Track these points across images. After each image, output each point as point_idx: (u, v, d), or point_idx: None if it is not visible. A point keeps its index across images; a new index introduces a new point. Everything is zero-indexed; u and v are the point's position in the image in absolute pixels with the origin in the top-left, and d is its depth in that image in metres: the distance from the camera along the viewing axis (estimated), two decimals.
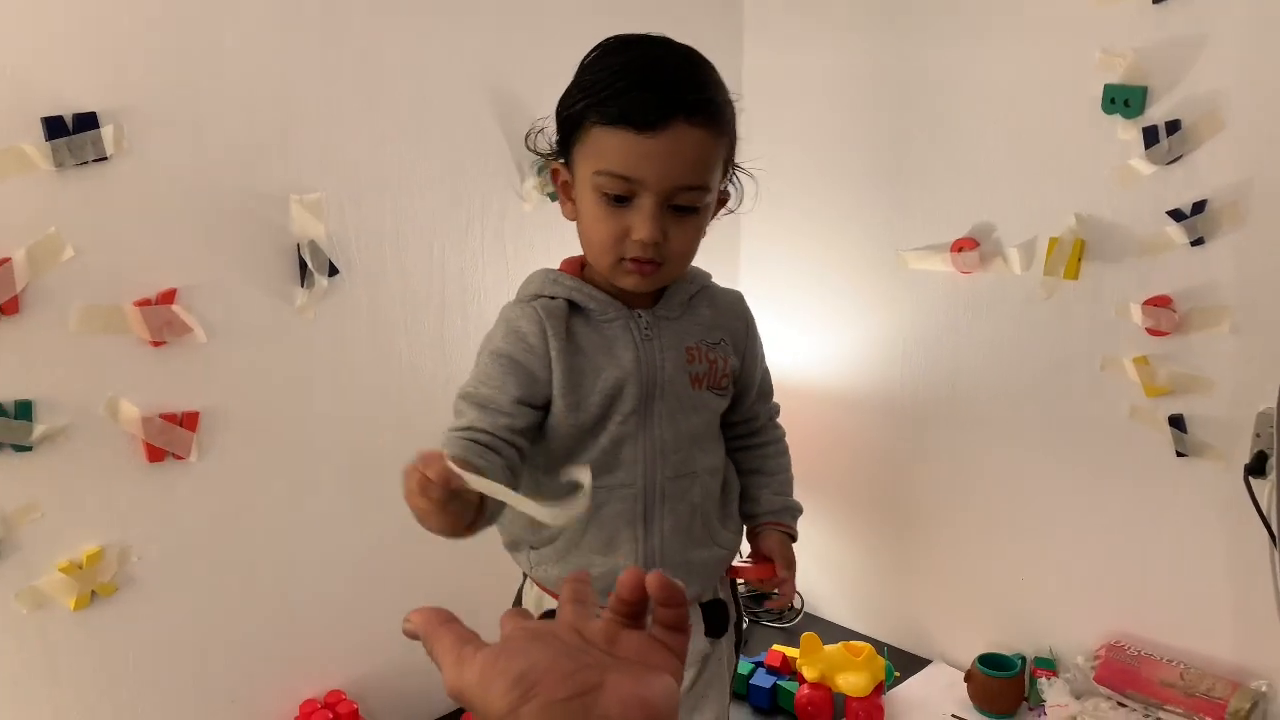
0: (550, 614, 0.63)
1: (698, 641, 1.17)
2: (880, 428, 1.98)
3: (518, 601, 1.20)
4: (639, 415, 1.07)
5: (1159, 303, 1.58)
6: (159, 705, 1.41)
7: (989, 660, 1.78)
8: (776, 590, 1.21)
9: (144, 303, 1.32)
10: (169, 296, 1.34)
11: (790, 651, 1.86)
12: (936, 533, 1.95)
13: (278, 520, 1.50)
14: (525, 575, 1.19)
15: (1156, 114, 1.54)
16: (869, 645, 1.81)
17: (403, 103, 1.56)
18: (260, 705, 1.52)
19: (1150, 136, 1.54)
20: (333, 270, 1.50)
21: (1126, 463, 1.66)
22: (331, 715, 1.52)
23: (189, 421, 1.38)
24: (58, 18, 1.21)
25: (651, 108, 0.98)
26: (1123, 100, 1.56)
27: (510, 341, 1.06)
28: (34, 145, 1.20)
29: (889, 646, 2.00)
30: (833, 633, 2.02)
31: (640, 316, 1.09)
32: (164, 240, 1.33)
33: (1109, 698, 1.64)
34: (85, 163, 1.24)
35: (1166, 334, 1.58)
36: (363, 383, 1.57)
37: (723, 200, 1.11)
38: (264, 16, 1.38)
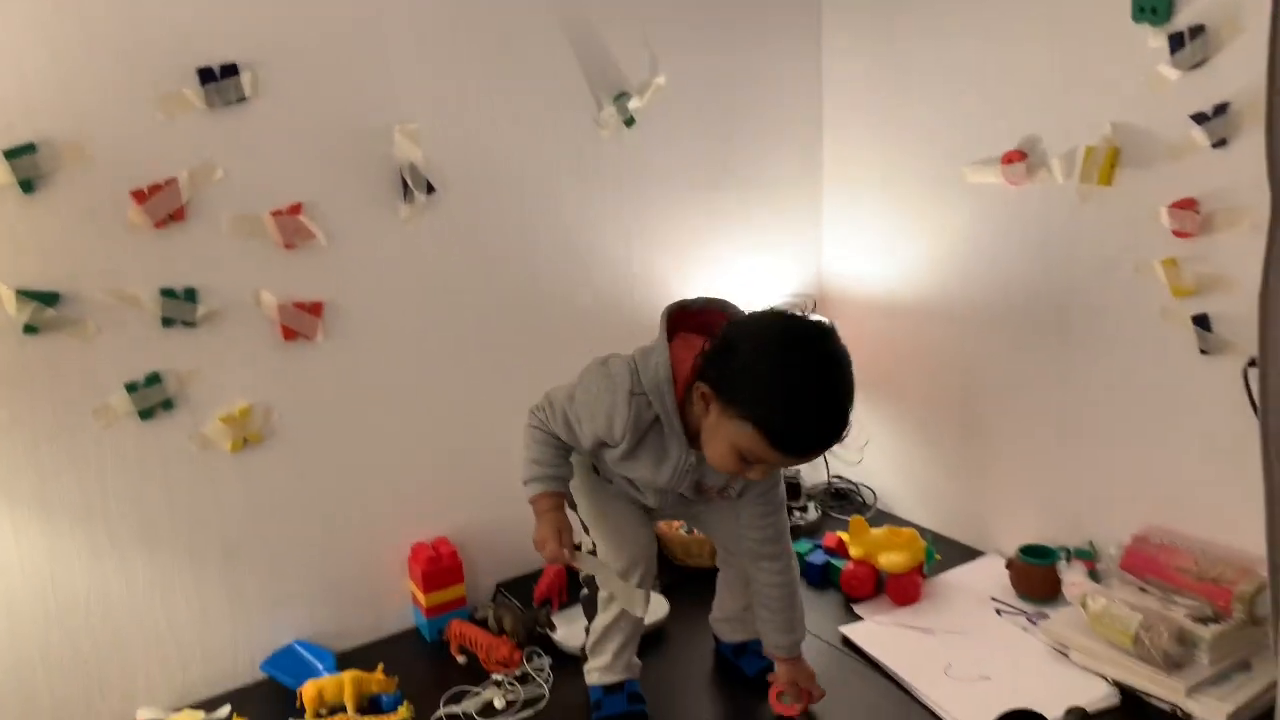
0: None
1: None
2: (943, 334, 2.11)
3: None
4: (660, 493, 1.55)
5: (1184, 205, 1.63)
6: (295, 534, 1.79)
7: (1030, 551, 1.90)
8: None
9: (278, 213, 1.67)
10: (296, 209, 1.69)
11: (845, 535, 2.04)
12: (993, 433, 2.06)
13: (389, 389, 1.83)
14: None
15: (1182, 20, 1.58)
16: (913, 530, 1.97)
17: (490, 41, 1.83)
18: (378, 544, 1.88)
19: (1175, 42, 1.59)
20: (430, 188, 1.80)
21: (1157, 361, 1.73)
22: (435, 554, 1.87)
23: (315, 309, 1.73)
24: None
25: (798, 452, 1.35)
26: (1150, 8, 1.60)
27: (605, 420, 1.43)
28: (191, 90, 1.57)
29: (945, 538, 2.15)
30: (900, 525, 2.18)
31: (692, 453, 1.46)
32: (292, 164, 1.67)
33: (1132, 583, 1.73)
34: (230, 103, 1.60)
35: (1191, 235, 1.63)
36: (455, 280, 1.87)
37: None
38: None
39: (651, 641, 1.80)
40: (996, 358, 2.01)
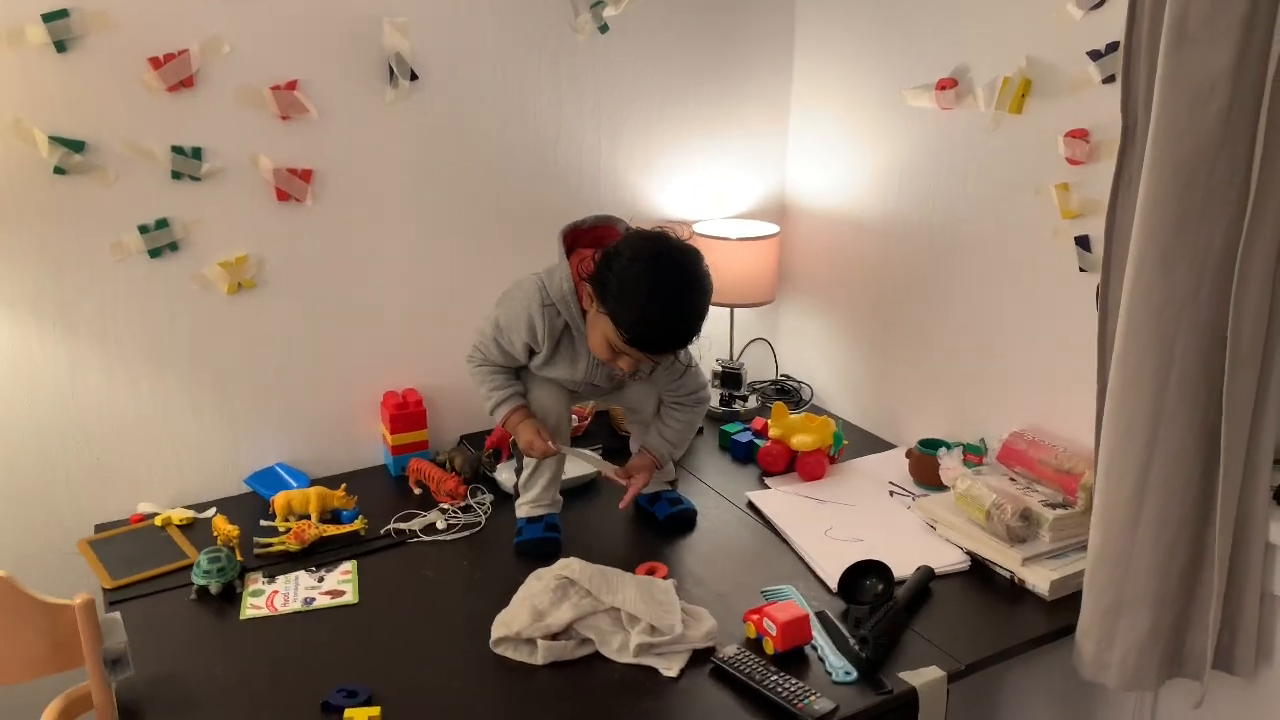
0: None
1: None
2: (876, 246, 2.31)
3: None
4: (576, 390, 1.88)
5: (1077, 135, 1.80)
6: (281, 371, 2.07)
7: (927, 443, 2.12)
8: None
9: (276, 88, 1.91)
10: (293, 85, 1.92)
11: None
12: (909, 338, 2.27)
13: (370, 252, 2.08)
14: None
15: None
16: (827, 418, 2.20)
17: None
18: (354, 388, 2.15)
19: None
20: (413, 76, 2.02)
21: (1046, 277, 1.92)
22: (403, 401, 2.14)
23: (305, 176, 1.98)
24: None
25: (657, 350, 1.66)
26: None
27: (528, 328, 1.74)
28: None
29: (865, 431, 2.38)
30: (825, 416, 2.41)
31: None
32: (292, 45, 1.90)
33: (1004, 473, 1.94)
34: None
35: (1081, 163, 1.80)
36: (433, 160, 2.10)
37: None
38: None
39: (582, 491, 2.07)
40: (917, 269, 2.21)
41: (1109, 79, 1.73)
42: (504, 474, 2.06)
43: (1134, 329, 1.46)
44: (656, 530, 1.94)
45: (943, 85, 2.04)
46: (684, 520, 1.95)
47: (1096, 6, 1.73)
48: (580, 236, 1.77)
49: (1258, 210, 1.38)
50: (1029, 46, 1.86)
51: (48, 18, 1.69)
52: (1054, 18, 1.81)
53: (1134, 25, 1.46)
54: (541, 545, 1.83)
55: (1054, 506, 1.80)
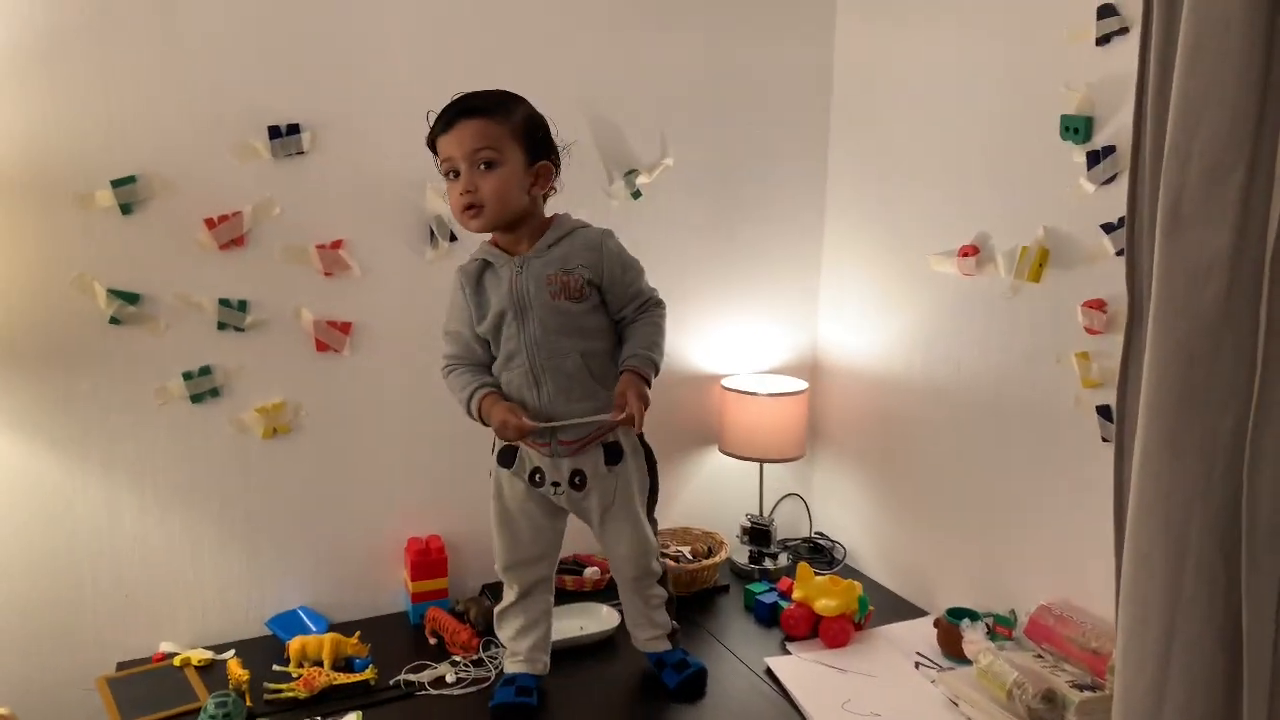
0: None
1: (600, 468, 1.78)
2: (906, 406, 2.30)
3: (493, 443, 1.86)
4: (518, 322, 1.69)
5: (1095, 305, 1.79)
6: (309, 515, 2.12)
7: (955, 612, 2.05)
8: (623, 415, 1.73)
9: (321, 246, 2.03)
10: (338, 244, 2.04)
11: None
12: (940, 502, 2.23)
13: (402, 401, 2.16)
14: None
15: (1099, 140, 1.77)
16: (853, 581, 2.14)
17: None
18: (380, 534, 2.19)
19: (1092, 159, 1.77)
20: (453, 238, 2.13)
21: (1069, 446, 1.88)
22: (425, 548, 2.16)
23: (345, 328, 2.08)
24: (280, 64, 1.95)
25: (446, 120, 1.66)
26: (1074, 128, 1.80)
27: (452, 298, 1.80)
28: (261, 143, 1.95)
29: (896, 595, 2.32)
30: (861, 580, 2.35)
31: (515, 262, 1.70)
32: (338, 207, 2.03)
33: (1031, 649, 1.86)
34: (291, 155, 1.98)
35: (1100, 333, 1.79)
36: None
37: (547, 170, 1.72)
38: (413, 58, 2.05)
39: (602, 647, 2.04)
40: (945, 432, 2.19)
41: (1120, 252, 1.73)
42: None
43: (1145, 510, 1.42)
44: (666, 699, 1.89)
45: (965, 252, 2.07)
46: (695, 684, 1.90)
47: (1109, 181, 1.75)
48: None
49: (1265, 391, 1.34)
50: (1046, 217, 1.89)
51: (116, 183, 1.85)
52: (1069, 191, 1.83)
53: (1135, 204, 1.47)
54: (509, 712, 1.78)
55: (1082, 688, 1.71)
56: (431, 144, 1.70)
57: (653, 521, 1.91)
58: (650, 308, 1.82)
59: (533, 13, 2.15)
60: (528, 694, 1.81)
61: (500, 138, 1.65)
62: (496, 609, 1.91)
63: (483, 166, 1.65)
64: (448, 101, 1.68)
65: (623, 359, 1.78)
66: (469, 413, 1.77)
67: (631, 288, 1.79)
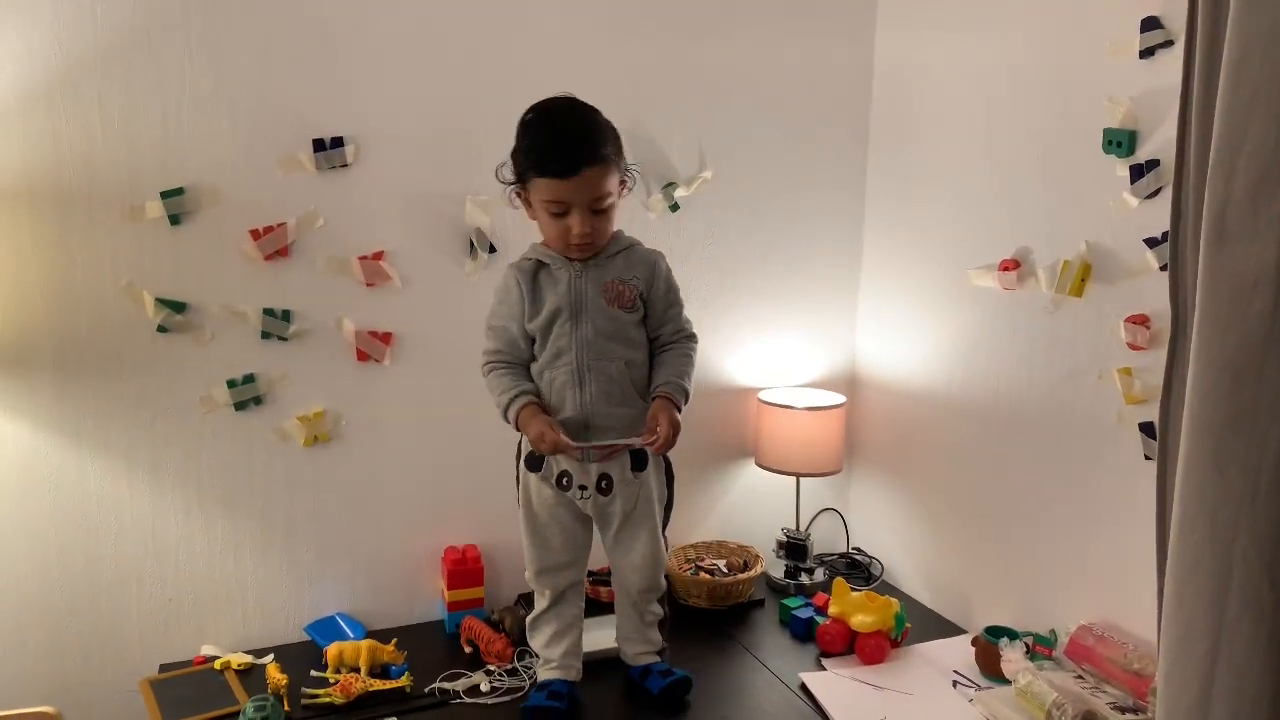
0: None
1: (626, 473, 1.81)
2: (946, 422, 2.27)
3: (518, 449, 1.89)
4: (572, 322, 1.74)
5: (1138, 320, 1.77)
6: (349, 523, 2.15)
7: (993, 631, 2.02)
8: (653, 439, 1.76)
9: (364, 258, 2.06)
10: (380, 256, 2.07)
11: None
12: (980, 519, 2.20)
13: (441, 410, 2.18)
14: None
15: (1143, 154, 1.75)
16: (890, 598, 2.12)
17: None
18: (418, 542, 2.21)
19: (1136, 173, 1.75)
20: (492, 249, 2.15)
21: (1112, 464, 1.85)
22: (462, 558, 2.18)
23: (385, 339, 2.10)
24: (326, 79, 1.99)
25: (566, 165, 1.65)
26: (1117, 142, 1.78)
27: (504, 293, 1.81)
28: (306, 156, 1.99)
29: (935, 613, 2.29)
30: (899, 597, 2.33)
31: (575, 266, 1.74)
32: (379, 219, 2.06)
33: (1071, 670, 1.83)
34: (335, 168, 2.01)
35: (1143, 349, 1.76)
36: None
37: (624, 184, 1.76)
38: (452, 74, 2.08)
39: (607, 666, 2.02)
40: (985, 447, 2.16)
41: (1164, 267, 1.71)
42: None
43: (1189, 527, 1.39)
44: (700, 708, 1.89)
45: (1005, 266, 2.05)
46: (679, 691, 1.89)
47: (1152, 196, 1.73)
48: None
49: None
50: (1088, 231, 1.87)
51: (165, 195, 1.89)
52: (1111, 205, 1.81)
53: (1179, 219, 1.45)
54: (539, 715, 1.80)
55: (1123, 710, 1.68)
56: (525, 172, 1.71)
57: (664, 536, 1.92)
58: (685, 340, 1.87)
59: (573, 28, 2.17)
60: (559, 699, 1.82)
61: (613, 179, 1.71)
62: (529, 617, 1.93)
63: (599, 208, 1.70)
64: (544, 128, 1.68)
65: (657, 384, 1.81)
66: (504, 417, 1.79)
67: (671, 309, 1.85)
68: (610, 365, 1.76)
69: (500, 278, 1.82)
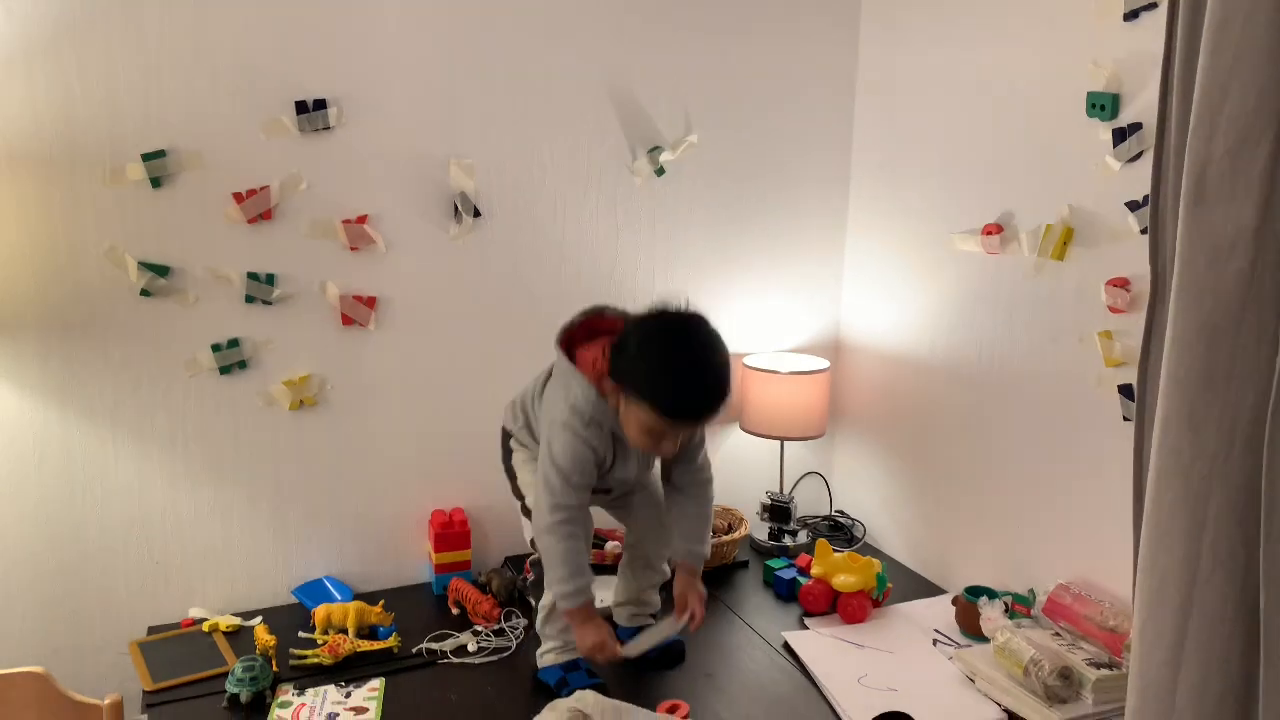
0: None
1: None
2: (928, 385, 2.29)
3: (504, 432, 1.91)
4: (621, 461, 1.79)
5: (1119, 283, 1.79)
6: (335, 487, 2.15)
7: (973, 590, 2.05)
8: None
9: (347, 221, 2.05)
10: (363, 219, 2.06)
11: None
12: (961, 481, 2.23)
13: (427, 375, 2.18)
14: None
15: (1125, 117, 1.75)
16: (872, 559, 2.15)
17: (539, 96, 2.17)
18: (404, 506, 2.22)
19: (1118, 136, 1.76)
20: (477, 213, 2.15)
21: (1091, 425, 1.87)
22: (449, 521, 2.19)
23: (370, 303, 2.10)
24: (308, 40, 1.97)
25: (689, 419, 1.66)
26: (1100, 105, 1.78)
27: (590, 451, 1.71)
28: (288, 119, 1.97)
29: (916, 573, 2.32)
30: (881, 558, 2.36)
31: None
32: (364, 182, 2.05)
33: (1049, 627, 1.87)
34: (318, 130, 2.00)
35: (1123, 312, 1.78)
36: (491, 291, 2.21)
37: None
38: (437, 36, 2.06)
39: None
40: (967, 411, 2.18)
41: (1145, 230, 1.72)
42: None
43: (1163, 485, 1.41)
44: (691, 671, 1.91)
45: (988, 231, 2.06)
46: (672, 654, 1.91)
47: (1134, 159, 1.74)
48: (575, 335, 1.77)
49: None
50: (1071, 195, 1.88)
51: (147, 157, 1.87)
52: (1094, 168, 1.82)
53: (1160, 181, 1.46)
54: (563, 679, 1.80)
55: (1099, 666, 1.71)
56: (635, 388, 1.65)
57: None
58: (704, 484, 1.88)
59: None
60: (595, 675, 1.81)
61: None
62: (541, 605, 1.85)
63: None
64: (683, 374, 1.63)
65: (676, 551, 1.87)
66: (552, 588, 1.74)
67: (695, 438, 1.84)
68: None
69: (564, 438, 1.70)
